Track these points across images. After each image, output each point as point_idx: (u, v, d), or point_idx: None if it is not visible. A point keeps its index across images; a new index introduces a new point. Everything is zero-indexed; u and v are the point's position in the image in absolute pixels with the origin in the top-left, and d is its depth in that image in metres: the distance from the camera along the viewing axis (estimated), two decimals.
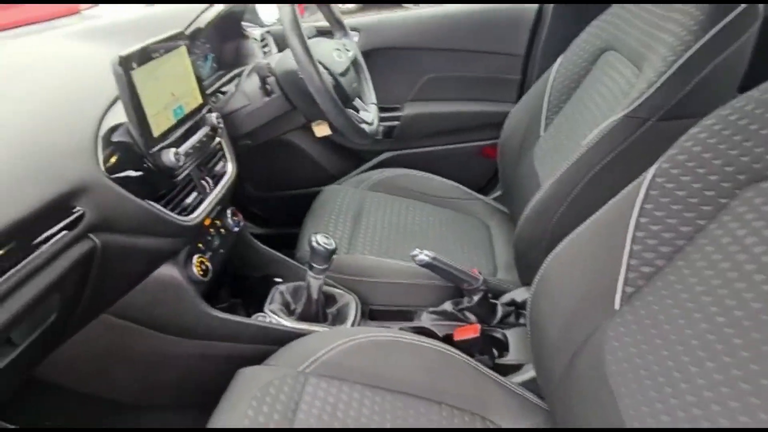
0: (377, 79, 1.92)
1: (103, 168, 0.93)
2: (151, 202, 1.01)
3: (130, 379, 1.24)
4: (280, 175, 2.09)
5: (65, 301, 0.92)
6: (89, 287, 0.97)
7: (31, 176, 0.83)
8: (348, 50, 1.62)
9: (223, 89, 1.53)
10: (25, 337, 0.85)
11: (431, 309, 1.37)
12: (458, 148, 2.08)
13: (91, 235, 0.92)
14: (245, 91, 1.43)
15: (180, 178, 1.08)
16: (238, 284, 1.48)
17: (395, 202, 1.71)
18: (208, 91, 1.51)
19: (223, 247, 1.30)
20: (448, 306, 1.35)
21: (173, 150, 1.03)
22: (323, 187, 1.81)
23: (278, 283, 1.40)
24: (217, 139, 1.27)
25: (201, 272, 1.17)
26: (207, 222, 1.22)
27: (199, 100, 1.20)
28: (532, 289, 0.94)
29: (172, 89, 1.10)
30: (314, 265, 1.22)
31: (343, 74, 1.47)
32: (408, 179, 1.82)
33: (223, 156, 1.31)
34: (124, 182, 0.96)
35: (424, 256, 1.27)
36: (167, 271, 1.13)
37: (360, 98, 1.60)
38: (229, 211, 1.36)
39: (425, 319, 1.37)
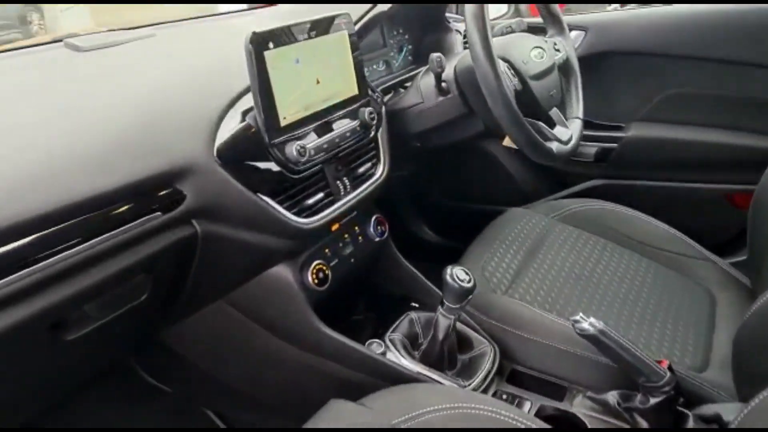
0: (598, 89, 1.58)
1: (215, 153, 0.86)
2: (264, 197, 0.92)
3: (241, 367, 1.19)
4: (468, 184, 1.90)
5: (160, 284, 0.89)
6: (192, 275, 0.93)
7: (135, 147, 0.80)
8: (557, 50, 1.33)
9: (407, 84, 1.40)
10: (105, 313, 0.82)
11: (589, 394, 1.04)
12: (695, 189, 1.61)
13: (193, 222, 0.87)
14: (420, 87, 1.27)
15: (303, 175, 0.97)
16: (377, 298, 1.34)
17: (588, 242, 1.37)
18: (386, 85, 1.39)
19: (355, 257, 1.17)
20: (612, 397, 1.00)
21: (298, 143, 0.92)
22: (510, 207, 1.56)
23: (413, 308, 1.22)
24: (372, 135, 1.13)
25: (316, 280, 1.05)
26: (335, 227, 1.09)
27: (354, 91, 1.07)
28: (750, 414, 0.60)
29: (318, 75, 0.99)
30: (446, 301, 1.01)
31: (537, 77, 1.21)
32: (614, 216, 1.46)
33: (376, 157, 1.17)
34: (238, 171, 0.88)
35: (588, 325, 0.95)
36: (282, 271, 1.04)
37: (559, 109, 1.31)
38: (373, 218, 1.21)
39: (578, 404, 1.04)
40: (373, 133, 1.13)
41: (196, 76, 0.94)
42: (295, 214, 0.97)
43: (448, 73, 1.23)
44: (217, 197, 0.87)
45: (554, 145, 1.20)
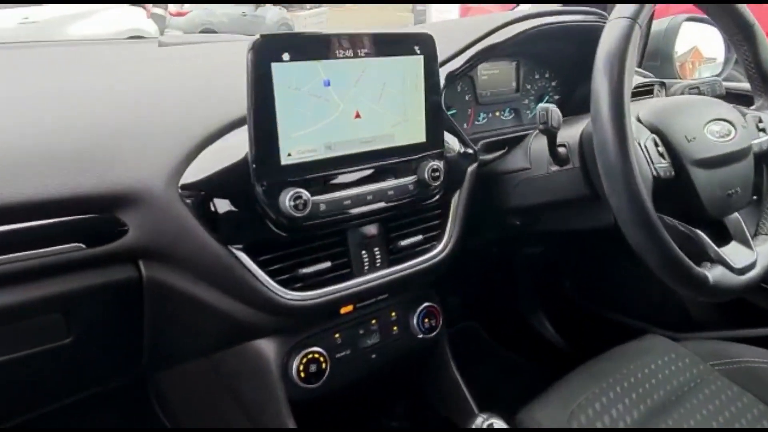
0: None
1: (179, 183, 0.66)
2: (238, 252, 0.68)
3: (240, 421, 0.97)
4: (609, 284, 1.45)
5: (90, 329, 0.71)
6: (149, 328, 0.74)
7: (72, 155, 0.63)
8: (762, 131, 0.88)
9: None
10: (12, 348, 0.66)
11: None
12: None
13: (140, 264, 0.67)
14: (530, 148, 0.93)
15: (301, 234, 0.72)
16: (420, 408, 1.02)
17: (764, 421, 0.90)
18: (499, 138, 1.06)
19: (382, 352, 0.87)
20: None
21: (294, 191, 0.67)
22: (651, 333, 1.12)
23: None
24: (434, 199, 0.84)
25: (302, 374, 0.78)
26: (345, 309, 0.81)
27: (420, 138, 0.79)
28: None
29: (360, 107, 0.73)
30: None
31: (706, 164, 0.79)
32: None
33: (438, 228, 0.86)
34: (206, 211, 0.66)
35: None
36: (265, 349, 0.79)
37: (745, 218, 0.86)
38: (421, 307, 0.91)
39: None
40: (436, 195, 0.83)
41: (204, 90, 0.75)
42: (281, 282, 0.71)
43: (572, 136, 0.87)
44: (172, 239, 0.67)
45: (714, 273, 0.76)
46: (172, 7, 8.55)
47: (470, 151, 0.92)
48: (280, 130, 0.67)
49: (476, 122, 1.12)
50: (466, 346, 1.69)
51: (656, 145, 0.77)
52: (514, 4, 1.54)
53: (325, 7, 12.66)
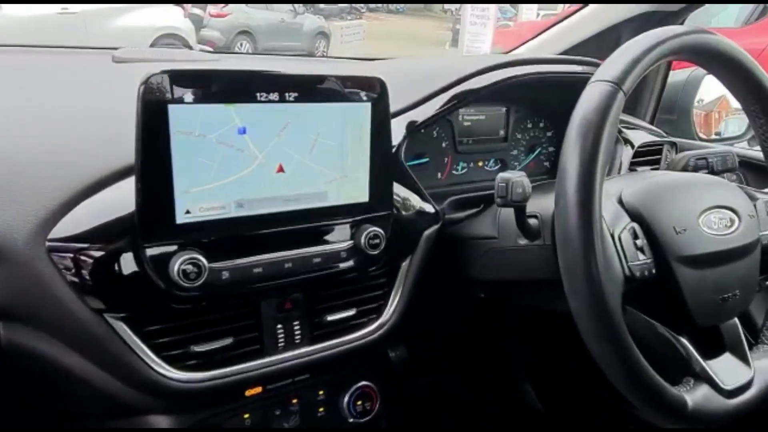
0: None
1: (47, 237, 0.55)
2: (115, 321, 0.58)
3: None
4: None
5: None
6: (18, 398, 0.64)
7: None
8: None
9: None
10: None
11: None
12: None
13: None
14: (500, 214, 0.80)
15: (197, 306, 0.61)
16: None
17: None
18: (477, 194, 0.94)
19: None
20: None
21: (188, 256, 0.56)
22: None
23: None
24: (375, 269, 0.72)
25: None
26: (252, 391, 0.69)
27: (362, 197, 0.68)
28: None
29: (284, 161, 0.62)
30: None
31: (697, 262, 0.65)
32: None
33: (380, 299, 0.74)
34: (80, 273, 0.56)
35: None
36: (157, 426, 0.68)
37: (748, 327, 0.72)
38: (353, 388, 0.78)
39: None
40: (377, 263, 0.71)
41: (116, 124, 0.64)
42: (167, 359, 0.60)
43: (546, 206, 0.74)
44: (35, 302, 0.56)
45: (695, 396, 0.62)
46: (212, 8, 8.64)
47: (430, 210, 0.80)
48: (177, 183, 0.56)
49: (453, 172, 1.00)
50: (439, 400, 1.56)
51: (635, 237, 0.63)
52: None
53: (363, 20, 12.70)
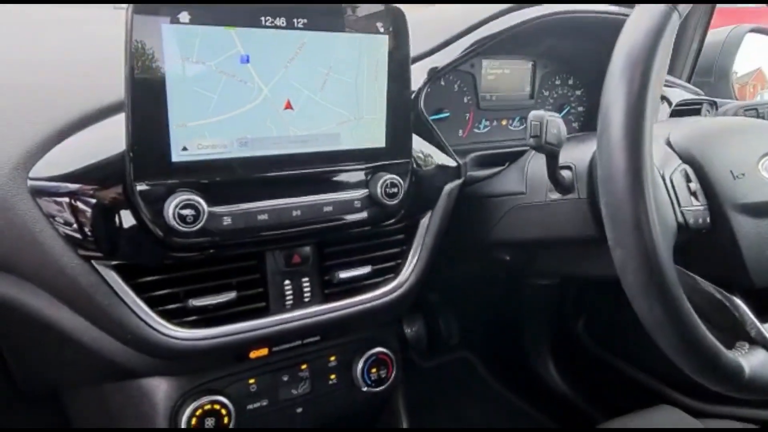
0: None
1: (28, 177, 0.50)
2: (105, 270, 0.52)
3: None
4: (625, 339, 1.24)
5: None
6: (8, 354, 0.59)
7: None
8: None
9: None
10: None
11: None
12: None
13: None
14: (526, 170, 0.73)
15: (195, 255, 0.55)
16: None
17: None
18: (496, 151, 0.87)
19: (309, 406, 0.70)
20: None
21: (184, 197, 0.51)
22: (666, 402, 0.93)
23: None
24: (393, 223, 0.66)
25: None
26: (257, 353, 0.63)
27: (378, 142, 0.61)
28: None
29: (292, 96, 0.56)
30: None
31: (757, 211, 0.58)
32: None
33: (398, 257, 0.68)
34: (63, 216, 0.50)
35: None
36: (151, 390, 0.63)
37: None
38: (367, 354, 0.72)
39: None
40: (394, 217, 0.65)
41: (106, 60, 0.58)
42: (163, 314, 0.55)
43: (581, 157, 0.67)
44: (16, 246, 0.51)
45: (753, 361, 0.56)
46: None
47: (452, 164, 0.74)
48: (172, 115, 0.50)
49: (475, 130, 0.93)
50: (457, 379, 1.50)
51: (688, 180, 0.56)
52: None
53: None
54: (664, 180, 0.55)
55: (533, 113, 0.59)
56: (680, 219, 0.54)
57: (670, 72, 1.16)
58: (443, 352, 1.50)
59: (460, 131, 0.91)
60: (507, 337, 1.45)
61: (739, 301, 0.59)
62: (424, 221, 0.70)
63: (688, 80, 1.18)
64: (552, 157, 0.64)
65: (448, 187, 0.72)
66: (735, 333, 0.60)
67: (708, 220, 0.56)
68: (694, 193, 0.56)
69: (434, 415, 1.37)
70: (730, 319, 0.59)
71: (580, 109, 1.03)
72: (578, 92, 1.01)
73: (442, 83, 0.86)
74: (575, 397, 1.36)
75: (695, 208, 0.55)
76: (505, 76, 0.93)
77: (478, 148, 0.87)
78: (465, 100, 0.90)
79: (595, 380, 1.33)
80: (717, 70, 1.21)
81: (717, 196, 0.56)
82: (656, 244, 0.49)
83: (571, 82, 1.00)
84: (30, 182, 0.50)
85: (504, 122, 0.96)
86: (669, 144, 0.60)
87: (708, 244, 0.57)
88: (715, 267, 0.58)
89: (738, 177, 0.57)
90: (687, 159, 0.58)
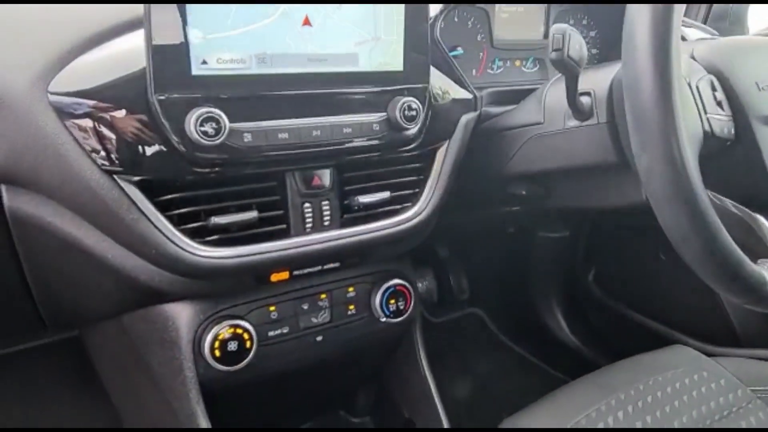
0: None
1: (48, 84, 0.50)
2: (127, 185, 0.52)
3: (154, 398, 0.83)
4: (642, 282, 1.24)
5: None
6: (34, 282, 0.59)
7: None
8: None
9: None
10: None
11: None
12: None
13: (1, 189, 0.52)
14: (544, 99, 0.73)
15: (216, 171, 0.55)
16: (384, 402, 0.85)
17: None
18: (509, 88, 0.86)
19: (328, 335, 0.70)
20: None
21: (205, 110, 0.50)
22: (679, 333, 0.94)
23: None
24: (411, 149, 0.65)
25: (217, 352, 0.62)
26: (278, 276, 0.64)
27: (396, 66, 0.61)
28: None
29: (311, 13, 0.55)
30: None
31: None
32: None
33: (416, 185, 0.68)
34: (85, 129, 0.50)
35: None
36: (175, 315, 0.63)
37: None
38: (386, 285, 0.73)
39: None
40: (413, 143, 0.65)
41: None
42: (186, 233, 0.55)
43: (600, 82, 0.66)
44: (37, 159, 0.51)
45: None
46: None
47: (468, 96, 0.73)
48: (191, 27, 0.50)
49: (489, 70, 0.92)
50: (467, 335, 1.51)
51: (713, 89, 0.56)
52: None
53: None
54: (690, 87, 0.54)
55: (556, 26, 0.58)
56: (706, 127, 0.53)
57: (686, 16, 1.15)
58: (453, 308, 1.51)
59: (474, 71, 0.90)
60: (517, 291, 1.46)
61: (762, 219, 0.59)
62: (441, 151, 0.70)
63: (704, 23, 1.17)
64: (572, 78, 0.63)
65: (464, 118, 0.72)
66: (755, 251, 0.60)
67: (732, 131, 0.55)
68: (719, 103, 0.55)
69: (445, 368, 1.38)
70: (753, 237, 0.59)
71: (594, 51, 1.01)
72: (592, 33, 1.00)
73: (456, 19, 0.85)
74: (585, 349, 1.38)
75: (720, 117, 0.54)
76: (519, 14, 0.92)
77: (491, 86, 0.87)
78: (478, 37, 0.89)
79: (606, 331, 1.34)
80: (732, 15, 1.19)
81: (742, 107, 0.56)
82: (683, 148, 0.48)
83: (585, 22, 0.99)
84: (51, 96, 0.50)
85: (518, 63, 0.95)
86: (693, 58, 0.59)
87: (732, 159, 0.57)
88: (739, 184, 0.58)
89: (763, 89, 0.56)
90: (712, 70, 0.57)
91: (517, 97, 0.82)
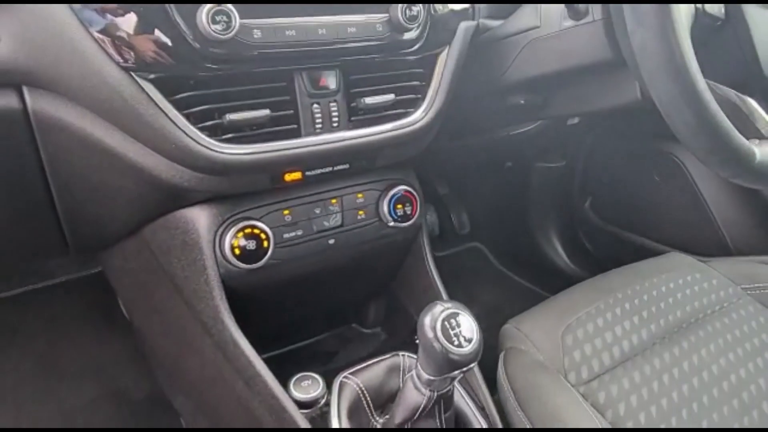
0: None
1: None
2: (144, 82, 0.54)
3: (179, 307, 0.87)
4: (635, 204, 1.27)
5: None
6: (54, 187, 0.62)
7: None
8: None
9: None
10: None
11: None
12: None
13: (24, 90, 0.54)
14: (541, 3, 0.74)
15: (228, 67, 0.57)
16: (395, 311, 0.89)
17: None
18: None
19: (340, 238, 0.74)
20: None
21: (215, 5, 0.52)
22: (674, 249, 0.98)
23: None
24: (413, 49, 0.67)
25: (237, 250, 0.65)
26: (292, 176, 0.67)
27: None
28: None
29: None
30: (420, 365, 0.54)
31: None
32: None
33: (419, 90, 0.70)
34: (101, 24, 0.52)
35: None
36: (195, 219, 0.66)
37: None
38: (395, 190, 0.76)
39: None
40: (415, 46, 0.67)
41: None
42: (203, 130, 0.57)
43: None
44: (58, 57, 0.53)
45: (763, 149, 0.59)
46: None
47: (465, 6, 0.75)
48: None
49: None
50: (469, 266, 1.56)
51: None
52: None
53: None
54: None
55: None
56: (698, 5, 0.56)
57: None
58: (455, 243, 1.55)
59: None
60: (515, 224, 1.49)
61: (752, 101, 0.62)
62: (443, 56, 0.72)
63: None
64: None
65: (463, 24, 0.74)
66: (746, 133, 0.63)
67: (723, 10, 0.57)
68: None
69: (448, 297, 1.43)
70: (739, 118, 0.62)
71: None
72: None
73: None
74: (584, 274, 1.42)
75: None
76: None
77: None
78: None
79: (603, 254, 1.38)
80: None
81: None
82: (674, 21, 0.50)
83: None
84: None
85: None
86: None
87: (722, 41, 0.59)
88: (729, 65, 0.60)
89: None
90: None
91: (513, 8, 0.83)
